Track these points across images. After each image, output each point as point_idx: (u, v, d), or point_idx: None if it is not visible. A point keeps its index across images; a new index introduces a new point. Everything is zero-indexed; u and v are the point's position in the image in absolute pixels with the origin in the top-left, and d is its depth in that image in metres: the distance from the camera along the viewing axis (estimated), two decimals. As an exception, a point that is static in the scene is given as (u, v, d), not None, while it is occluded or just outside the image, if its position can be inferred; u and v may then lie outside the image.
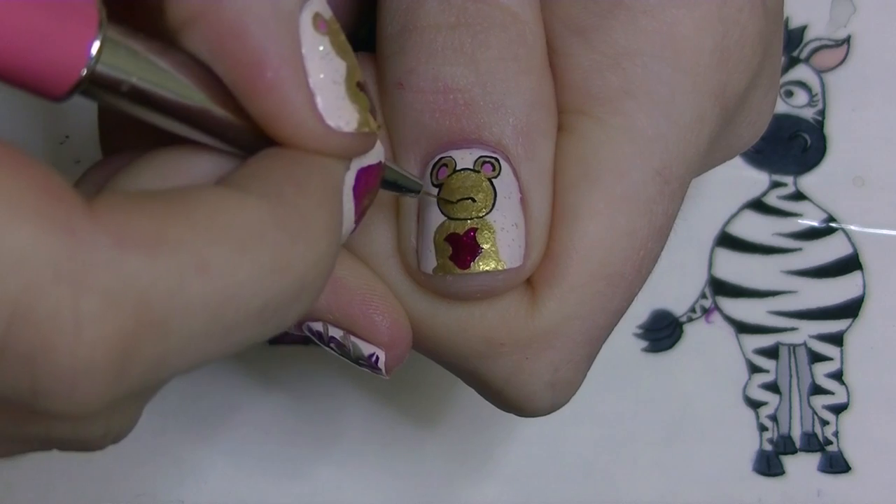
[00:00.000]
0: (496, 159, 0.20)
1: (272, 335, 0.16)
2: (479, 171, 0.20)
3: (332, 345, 0.21)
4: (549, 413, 0.22)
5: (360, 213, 0.18)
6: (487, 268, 0.19)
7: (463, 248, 0.20)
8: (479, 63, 0.19)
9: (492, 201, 0.20)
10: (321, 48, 0.16)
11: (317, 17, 0.16)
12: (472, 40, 0.19)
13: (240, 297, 0.15)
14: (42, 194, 0.14)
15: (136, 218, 0.14)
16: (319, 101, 0.16)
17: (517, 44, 0.20)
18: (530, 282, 0.20)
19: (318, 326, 0.21)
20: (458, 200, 0.20)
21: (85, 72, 0.14)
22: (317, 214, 0.16)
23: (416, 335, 0.21)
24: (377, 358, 0.20)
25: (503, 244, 0.19)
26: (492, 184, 0.20)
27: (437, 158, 0.20)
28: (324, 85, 0.16)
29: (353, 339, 0.20)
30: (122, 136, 0.19)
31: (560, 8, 0.20)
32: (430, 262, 0.20)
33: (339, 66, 0.17)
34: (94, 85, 0.15)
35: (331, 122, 0.16)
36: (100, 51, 0.14)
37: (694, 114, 0.20)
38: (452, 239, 0.20)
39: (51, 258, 0.13)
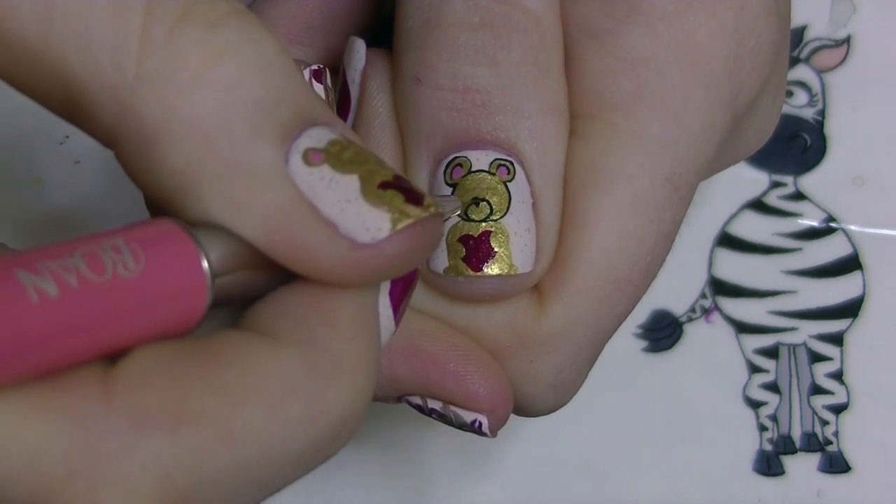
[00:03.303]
0: (511, 163, 0.20)
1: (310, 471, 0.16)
2: (494, 174, 0.19)
3: (433, 415, 0.21)
4: (549, 413, 0.22)
5: (399, 314, 0.18)
6: (500, 272, 0.19)
7: (476, 250, 0.20)
8: (499, 65, 0.19)
9: (506, 205, 0.19)
10: (322, 179, 0.16)
11: (308, 153, 0.16)
12: (495, 42, 0.19)
13: (272, 454, 0.14)
14: (51, 387, 0.13)
15: (155, 393, 0.14)
16: (341, 227, 0.15)
17: (538, 48, 0.20)
18: (537, 285, 0.20)
19: (416, 400, 0.21)
20: (473, 202, 0.20)
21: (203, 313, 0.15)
22: (351, 349, 0.15)
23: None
24: (480, 423, 0.20)
25: (516, 249, 0.19)
26: (506, 187, 0.19)
27: (451, 157, 0.20)
28: (340, 210, 0.15)
29: (453, 408, 0.20)
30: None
31: (577, 11, 0.20)
32: (442, 261, 0.20)
33: (349, 184, 0.16)
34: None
35: (363, 238, 0.15)
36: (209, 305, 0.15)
37: (705, 121, 0.20)
38: (466, 240, 0.20)
39: (63, 454, 0.13)
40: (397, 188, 0.16)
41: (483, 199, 0.20)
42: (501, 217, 0.19)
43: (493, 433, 0.21)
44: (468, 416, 0.20)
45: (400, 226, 0.16)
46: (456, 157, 0.20)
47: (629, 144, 0.20)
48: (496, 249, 0.19)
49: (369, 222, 0.15)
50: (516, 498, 0.32)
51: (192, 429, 0.14)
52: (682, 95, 0.20)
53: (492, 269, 0.19)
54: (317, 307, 0.15)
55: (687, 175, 0.20)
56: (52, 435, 0.13)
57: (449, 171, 0.20)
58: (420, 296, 0.20)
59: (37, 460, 0.13)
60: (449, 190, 0.20)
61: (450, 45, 0.19)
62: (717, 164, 0.22)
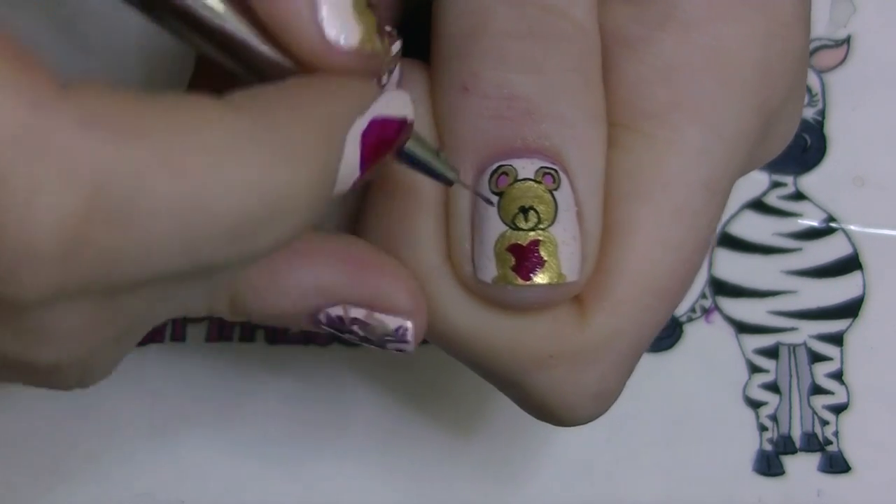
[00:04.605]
0: (556, 171, 0.20)
1: (239, 263, 0.16)
2: (540, 182, 0.19)
3: (354, 327, 0.20)
4: (587, 422, 0.21)
5: (365, 165, 0.17)
6: (549, 280, 0.19)
7: (526, 259, 0.19)
8: (546, 73, 0.19)
9: (553, 213, 0.19)
10: None
11: None
12: (543, 51, 0.19)
13: (208, 208, 0.15)
14: (11, 64, 0.13)
15: (107, 104, 0.14)
16: (324, 11, 0.16)
17: (583, 57, 0.20)
18: (578, 295, 0.20)
19: (337, 311, 0.20)
20: (521, 211, 0.19)
21: None
22: (304, 140, 0.16)
23: (462, 345, 0.21)
24: (405, 329, 0.20)
25: (564, 257, 0.19)
26: (553, 196, 0.19)
27: (496, 166, 0.20)
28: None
29: (376, 315, 0.20)
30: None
31: (610, 20, 0.20)
32: (490, 271, 0.20)
33: None
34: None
35: (330, 34, 0.16)
36: None
37: (737, 127, 0.20)
38: (515, 250, 0.19)
39: (11, 123, 0.13)
40: (375, 14, 0.17)
41: (531, 208, 0.19)
42: (549, 226, 0.19)
43: (416, 343, 0.20)
44: (392, 322, 0.20)
45: (365, 49, 0.17)
46: (501, 166, 0.20)
47: (666, 153, 0.20)
48: (545, 258, 0.19)
49: (345, 27, 0.17)
50: (517, 498, 0.32)
51: (136, 144, 0.14)
52: (715, 102, 0.20)
53: (541, 277, 0.19)
54: (288, 98, 0.16)
55: (722, 181, 0.20)
56: (4, 102, 0.13)
57: (494, 179, 0.20)
58: (459, 305, 0.20)
59: None
60: (495, 199, 0.20)
61: (497, 53, 0.19)
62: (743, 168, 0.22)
